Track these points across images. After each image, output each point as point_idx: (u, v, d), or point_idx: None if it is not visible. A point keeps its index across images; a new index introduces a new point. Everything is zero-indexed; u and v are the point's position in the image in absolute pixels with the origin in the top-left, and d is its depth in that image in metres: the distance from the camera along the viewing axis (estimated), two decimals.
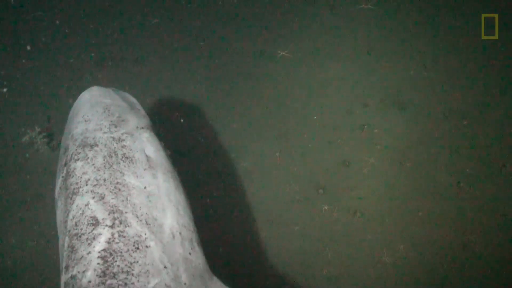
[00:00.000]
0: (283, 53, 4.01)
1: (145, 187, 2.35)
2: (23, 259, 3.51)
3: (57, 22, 4.12)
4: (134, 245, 2.17)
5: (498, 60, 3.91)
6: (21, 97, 3.90)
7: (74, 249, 2.17)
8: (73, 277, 2.11)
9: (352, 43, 4.04)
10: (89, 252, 2.12)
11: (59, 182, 2.49)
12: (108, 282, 2.05)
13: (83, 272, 2.08)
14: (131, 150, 2.45)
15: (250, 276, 3.45)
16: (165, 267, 2.18)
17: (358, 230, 3.57)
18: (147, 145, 2.53)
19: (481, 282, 3.44)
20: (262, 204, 3.65)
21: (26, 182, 3.69)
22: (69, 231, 2.23)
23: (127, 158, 2.42)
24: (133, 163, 2.42)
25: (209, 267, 2.43)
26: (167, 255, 2.22)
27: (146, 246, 2.18)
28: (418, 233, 3.54)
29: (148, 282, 2.10)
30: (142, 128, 2.59)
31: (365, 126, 3.82)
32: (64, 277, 2.16)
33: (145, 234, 2.21)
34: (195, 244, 2.39)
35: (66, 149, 2.52)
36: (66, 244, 2.23)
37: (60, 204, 2.41)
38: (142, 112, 2.75)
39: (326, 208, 3.62)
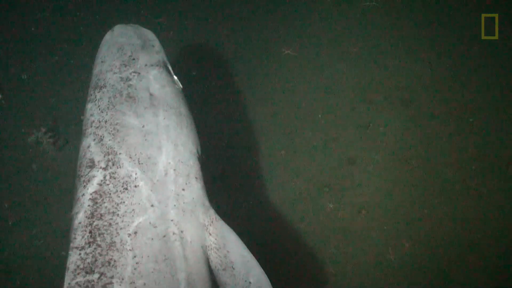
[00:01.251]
0: (288, 51, 4.01)
1: (143, 126, 2.41)
2: (30, 258, 3.54)
3: (63, 23, 4.15)
4: (122, 186, 2.25)
5: (504, 59, 3.89)
6: (27, 98, 3.93)
7: (75, 191, 2.30)
8: (71, 218, 2.23)
9: (357, 40, 4.03)
10: (83, 194, 2.23)
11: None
12: (95, 223, 2.15)
13: (77, 213, 2.20)
14: (135, 89, 2.52)
15: None
16: (152, 205, 2.25)
17: (363, 228, 3.56)
18: (152, 83, 2.57)
19: (486, 280, 3.42)
20: (267, 202, 3.66)
21: (32, 181, 3.72)
22: (76, 172, 2.36)
23: (130, 97, 2.48)
24: (135, 102, 2.48)
25: (208, 199, 2.49)
26: (156, 193, 2.28)
27: (135, 186, 2.26)
28: (423, 231, 3.53)
29: (132, 222, 2.18)
30: (152, 65, 2.64)
31: (370, 124, 3.81)
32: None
33: (136, 174, 2.29)
34: (192, 178, 2.43)
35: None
36: (74, 186, 2.35)
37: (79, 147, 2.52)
38: (157, 48, 2.78)
39: (331, 206, 3.62)
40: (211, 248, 2.41)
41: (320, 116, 3.86)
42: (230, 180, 3.73)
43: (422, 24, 4.06)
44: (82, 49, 4.06)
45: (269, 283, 2.40)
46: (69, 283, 2.08)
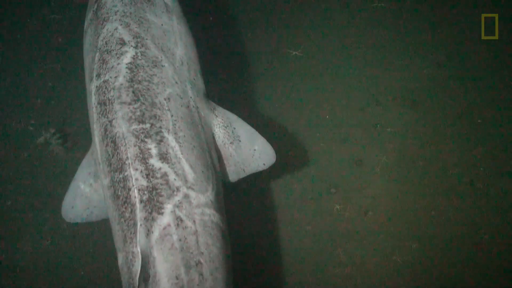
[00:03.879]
0: (296, 52, 4.01)
1: (162, 24, 2.93)
2: (38, 257, 3.56)
3: (71, 24, 4.16)
4: (152, 63, 2.75)
5: (508, 57, 3.89)
6: (36, 99, 3.95)
7: (105, 61, 2.74)
8: (105, 81, 2.69)
9: (365, 41, 4.02)
10: (119, 63, 2.70)
11: (89, 15, 3.04)
12: (135, 86, 2.64)
13: (115, 77, 2.67)
14: None
15: (262, 275, 3.46)
16: (176, 82, 2.77)
17: (370, 229, 3.56)
18: None
19: (494, 281, 3.41)
20: (274, 203, 3.66)
21: (41, 182, 3.74)
22: (100, 48, 2.80)
23: (149, 1, 3.00)
24: (153, 6, 2.99)
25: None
26: (177, 74, 2.80)
27: (162, 66, 2.77)
28: (430, 232, 3.52)
29: (165, 90, 2.69)
30: None
31: (378, 125, 3.80)
32: (95, 83, 2.73)
33: (161, 57, 2.80)
34: (199, 75, 2.95)
35: None
36: (96, 58, 2.79)
37: (89, 32, 2.96)
38: None
39: (338, 207, 3.61)
40: (220, 127, 2.91)
41: (327, 117, 3.86)
42: (236, 182, 3.74)
43: (430, 25, 4.05)
44: None
45: (272, 149, 2.94)
46: (127, 129, 2.53)
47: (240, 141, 2.94)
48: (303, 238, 3.56)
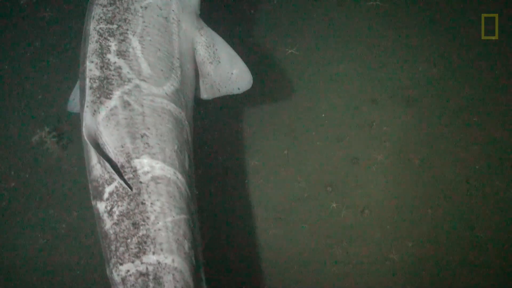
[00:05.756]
0: (292, 51, 4.01)
1: None
2: (35, 257, 3.55)
3: (67, 22, 4.16)
4: None
5: (508, 57, 3.89)
6: (31, 97, 3.95)
7: None
8: None
9: (360, 40, 4.03)
10: None
11: None
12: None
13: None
14: None
15: (258, 274, 3.46)
16: None
17: (367, 227, 3.56)
18: None
19: (490, 280, 3.41)
20: (270, 201, 3.66)
21: (36, 181, 3.73)
22: None
23: None
24: None
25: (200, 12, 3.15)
26: None
27: None
28: (426, 230, 3.53)
29: (144, 1, 2.84)
30: None
31: (374, 123, 3.80)
32: None
33: None
34: None
35: None
36: None
37: None
38: None
39: (335, 205, 3.61)
40: (202, 45, 3.03)
41: (323, 115, 3.86)
42: (233, 180, 3.74)
43: (426, 23, 4.05)
44: None
45: (250, 75, 3.09)
46: (94, 27, 2.74)
47: (219, 62, 3.07)
48: (299, 236, 3.55)
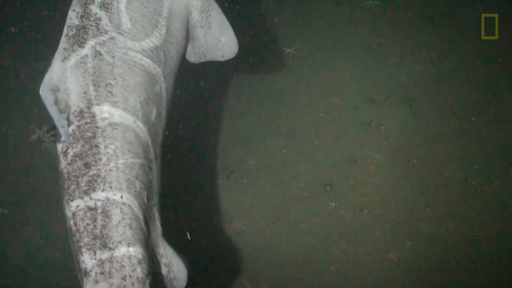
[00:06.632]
0: (290, 50, 4.01)
1: None
2: (32, 256, 3.54)
3: (63, 21, 4.14)
4: None
5: (507, 57, 3.89)
6: (29, 96, 3.93)
7: None
8: None
9: (359, 39, 4.03)
10: None
11: None
12: None
13: None
14: None
15: (257, 273, 3.46)
16: None
17: (365, 227, 3.56)
18: None
19: (489, 279, 3.42)
20: (268, 201, 3.66)
21: (34, 180, 3.72)
22: None
23: None
24: None
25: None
26: None
27: None
28: (425, 230, 3.53)
29: None
30: None
31: (372, 123, 3.81)
32: None
33: None
34: None
35: None
36: None
37: None
38: None
39: (333, 205, 3.61)
40: (197, 8, 3.04)
41: (322, 115, 3.86)
42: (232, 179, 3.73)
43: (425, 23, 4.06)
44: None
45: (237, 44, 3.14)
46: None
47: (210, 27, 3.11)
48: (298, 235, 3.55)
